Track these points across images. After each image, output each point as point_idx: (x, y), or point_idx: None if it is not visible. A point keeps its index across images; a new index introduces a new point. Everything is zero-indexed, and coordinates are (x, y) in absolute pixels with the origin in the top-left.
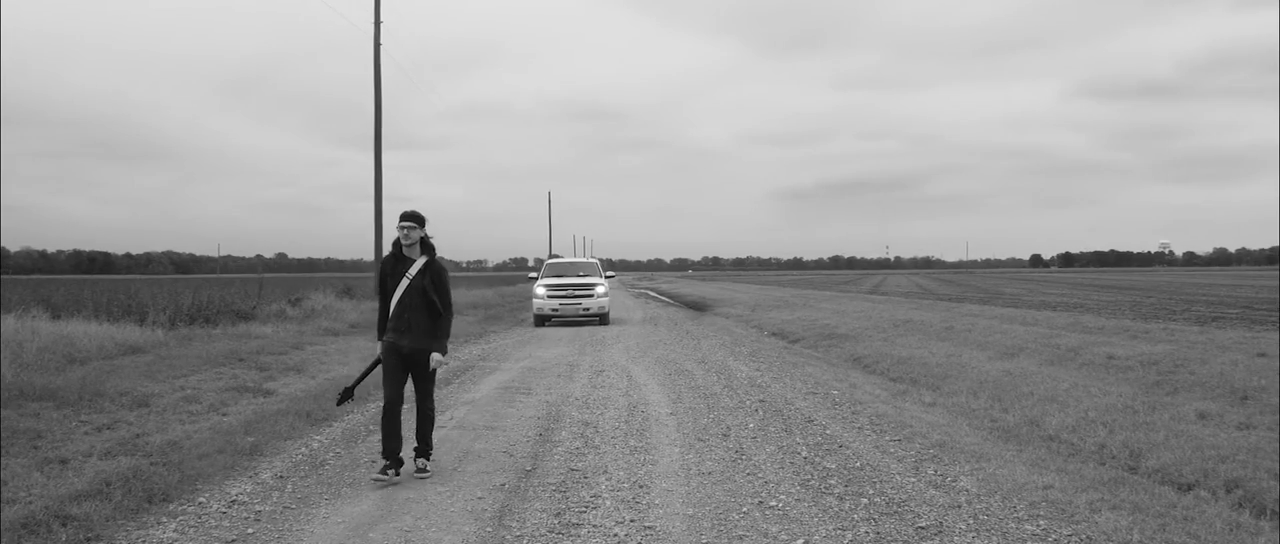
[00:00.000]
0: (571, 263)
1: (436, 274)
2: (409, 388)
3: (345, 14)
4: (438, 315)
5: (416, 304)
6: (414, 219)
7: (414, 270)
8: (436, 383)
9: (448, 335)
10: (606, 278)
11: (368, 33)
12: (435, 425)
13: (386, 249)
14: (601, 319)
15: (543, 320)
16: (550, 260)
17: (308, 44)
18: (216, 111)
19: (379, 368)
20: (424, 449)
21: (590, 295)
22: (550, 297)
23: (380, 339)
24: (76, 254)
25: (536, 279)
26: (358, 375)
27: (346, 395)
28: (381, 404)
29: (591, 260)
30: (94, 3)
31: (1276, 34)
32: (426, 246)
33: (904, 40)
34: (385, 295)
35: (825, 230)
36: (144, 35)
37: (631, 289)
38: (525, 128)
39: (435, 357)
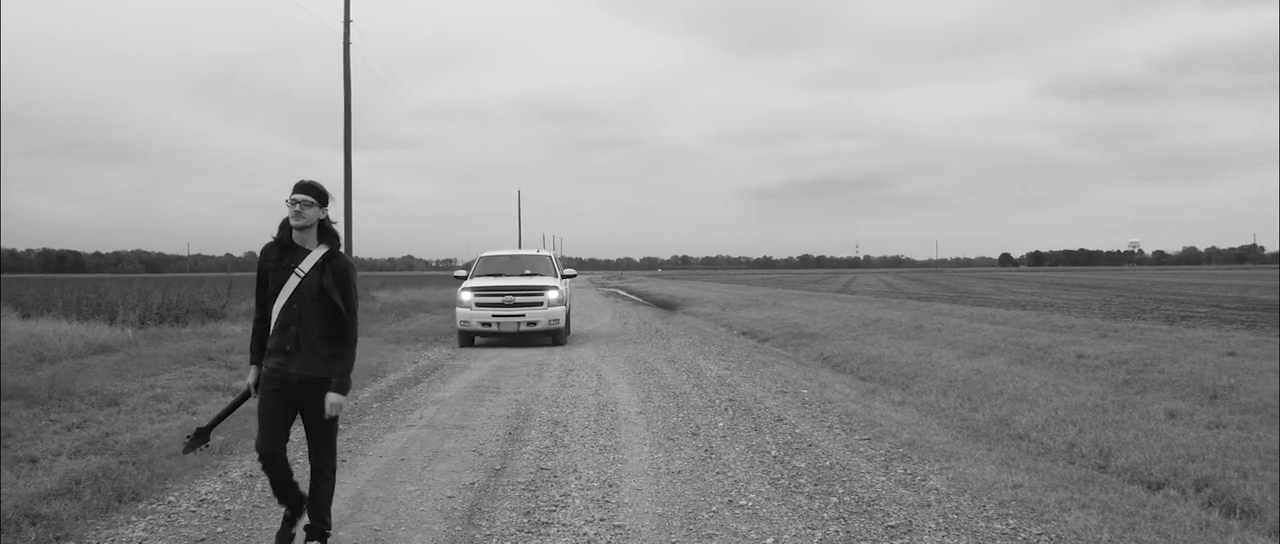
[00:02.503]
0: (515, 257)
1: (340, 272)
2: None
3: (316, 13)
4: (340, 332)
5: (310, 314)
6: (311, 192)
7: (308, 265)
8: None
9: (353, 362)
10: (564, 278)
11: (338, 32)
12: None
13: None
14: (554, 338)
15: (469, 338)
16: (487, 254)
17: (279, 43)
18: (187, 111)
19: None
20: (319, 526)
21: (538, 302)
22: (480, 304)
23: (253, 363)
24: (46, 253)
25: (465, 279)
26: (216, 413)
27: (199, 440)
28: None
29: (543, 254)
30: (66, 3)
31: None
32: (327, 233)
33: (874, 40)
34: (264, 301)
35: (795, 229)
36: (115, 35)
37: (601, 288)
38: (496, 126)
39: (333, 399)
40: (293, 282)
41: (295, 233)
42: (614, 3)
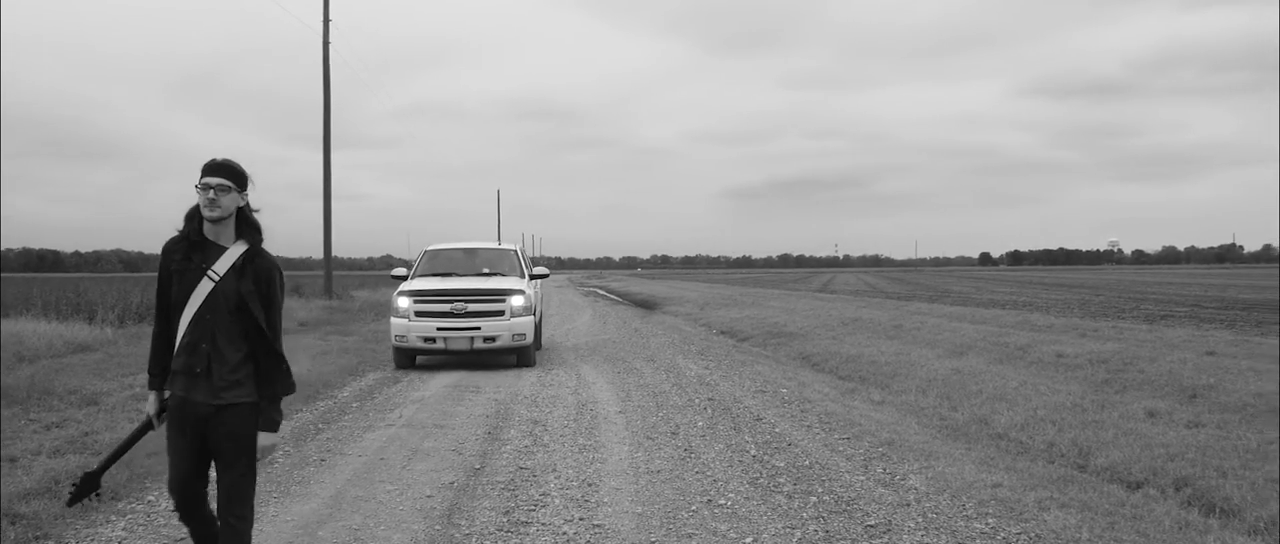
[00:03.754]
0: (470, 252)
1: (262, 276)
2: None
3: (296, 13)
4: (268, 349)
5: (225, 328)
6: (225, 173)
7: (223, 266)
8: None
9: (285, 388)
10: (534, 278)
11: (318, 31)
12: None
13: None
14: (519, 357)
15: (409, 358)
16: (433, 247)
17: (260, 43)
18: (167, 110)
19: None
20: None
21: (498, 311)
22: (422, 314)
23: (153, 388)
24: (25, 252)
25: (404, 279)
26: (107, 454)
27: (87, 487)
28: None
29: (506, 247)
30: (48, 3)
31: (1226, 33)
32: (247, 225)
33: (852, 40)
34: (167, 311)
35: (774, 229)
36: (97, 35)
37: (581, 287)
38: (476, 126)
39: (264, 440)
40: (204, 287)
41: (207, 225)
42: (594, 3)
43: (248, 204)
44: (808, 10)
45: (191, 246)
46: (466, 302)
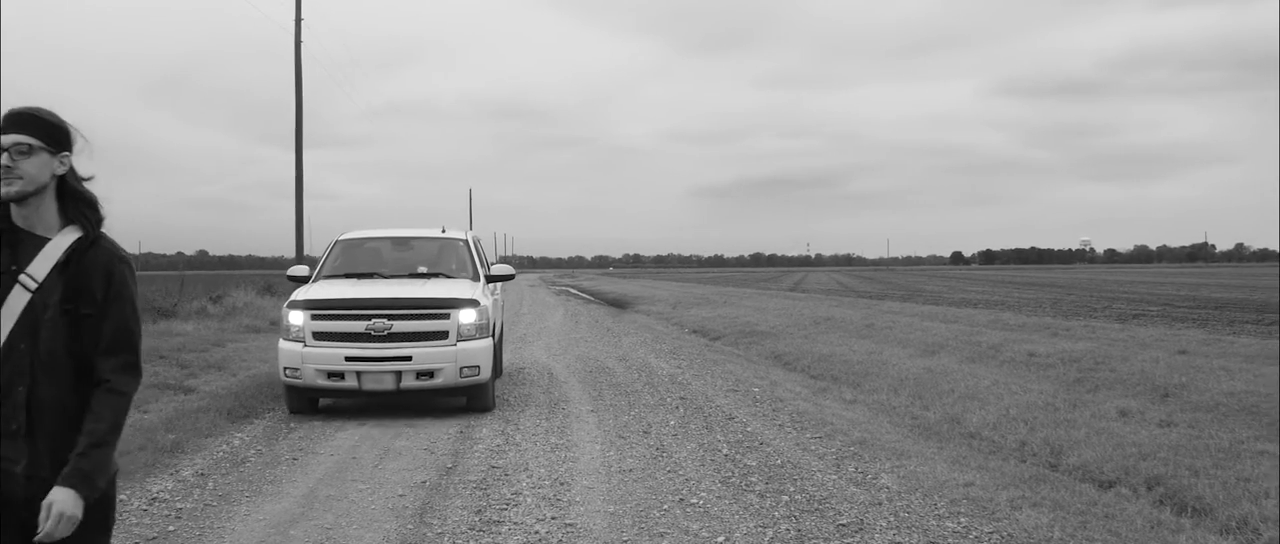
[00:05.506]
0: (400, 241)
1: (99, 273)
2: None
3: (268, 12)
4: (111, 390)
5: (50, 358)
6: (28, 127)
7: (43, 266)
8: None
9: (113, 435)
10: (492, 281)
11: (290, 31)
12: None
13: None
14: (470, 398)
15: (306, 400)
16: (348, 236)
17: (233, 42)
18: (140, 109)
19: None
20: None
21: (438, 333)
22: (323, 336)
23: None
24: None
25: (303, 283)
26: None
27: None
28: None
29: (454, 237)
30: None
31: (1198, 33)
32: (78, 202)
33: (825, 39)
34: None
35: (746, 228)
36: (68, 33)
37: (553, 287)
38: (449, 125)
39: (61, 506)
40: (16, 299)
41: (15, 210)
42: (567, 2)
43: (72, 171)
44: (781, 10)
45: None
46: (391, 317)
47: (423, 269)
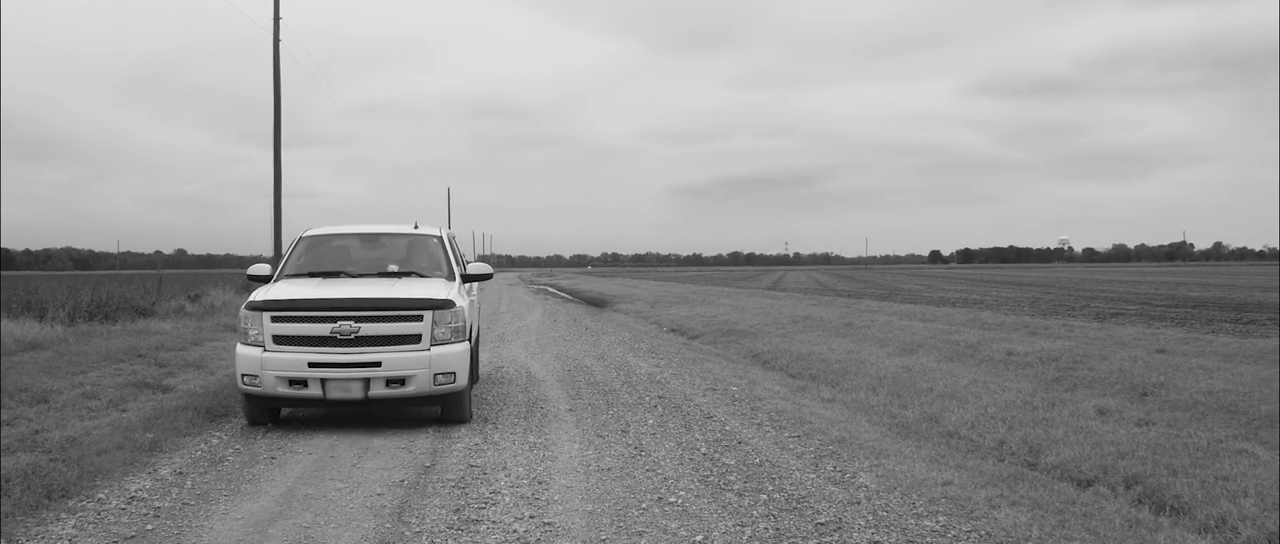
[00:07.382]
0: (368, 238)
1: None
2: None
3: (246, 11)
4: None
5: None
6: None
7: None
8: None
9: None
10: (469, 280)
11: (268, 29)
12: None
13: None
14: (445, 408)
15: (267, 410)
16: (313, 233)
17: (211, 41)
18: (118, 108)
19: None
20: None
21: (410, 336)
22: (284, 340)
23: None
24: None
25: (264, 282)
26: None
27: None
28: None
29: (426, 233)
30: None
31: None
32: None
33: (802, 38)
34: None
35: (724, 227)
36: (45, 31)
37: (531, 285)
38: (428, 124)
39: None
40: None
41: None
42: (545, 1)
43: None
44: (759, 9)
45: None
46: (359, 319)
47: (394, 268)
